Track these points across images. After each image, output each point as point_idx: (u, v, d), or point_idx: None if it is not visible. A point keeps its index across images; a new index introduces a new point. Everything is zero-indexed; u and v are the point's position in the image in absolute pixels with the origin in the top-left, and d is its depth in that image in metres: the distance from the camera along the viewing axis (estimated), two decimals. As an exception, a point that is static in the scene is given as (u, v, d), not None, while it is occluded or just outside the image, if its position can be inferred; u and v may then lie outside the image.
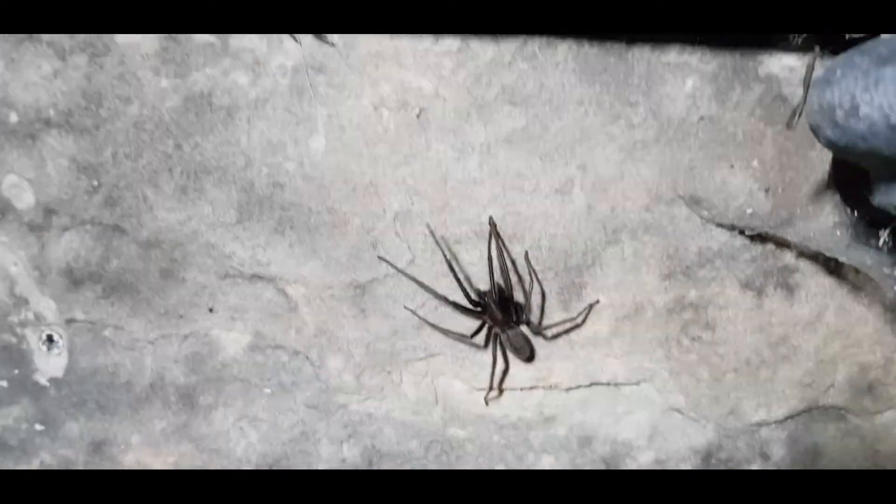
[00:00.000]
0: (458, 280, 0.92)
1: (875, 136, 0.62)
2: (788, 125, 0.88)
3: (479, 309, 0.95)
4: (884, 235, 0.80)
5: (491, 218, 0.95)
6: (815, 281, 0.93)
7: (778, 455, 1.06)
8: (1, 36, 0.97)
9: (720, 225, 0.93)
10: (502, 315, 0.94)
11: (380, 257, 0.97)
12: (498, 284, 0.94)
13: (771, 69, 0.91)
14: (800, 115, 0.85)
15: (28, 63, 0.98)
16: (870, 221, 0.85)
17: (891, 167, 0.68)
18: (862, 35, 0.80)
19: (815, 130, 0.72)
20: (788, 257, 0.93)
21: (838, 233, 0.90)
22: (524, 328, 0.97)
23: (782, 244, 0.92)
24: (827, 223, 0.91)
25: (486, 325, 0.96)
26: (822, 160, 0.89)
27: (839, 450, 1.04)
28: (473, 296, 0.94)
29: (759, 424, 1.04)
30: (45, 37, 0.97)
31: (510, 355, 1.00)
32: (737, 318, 0.96)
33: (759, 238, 0.92)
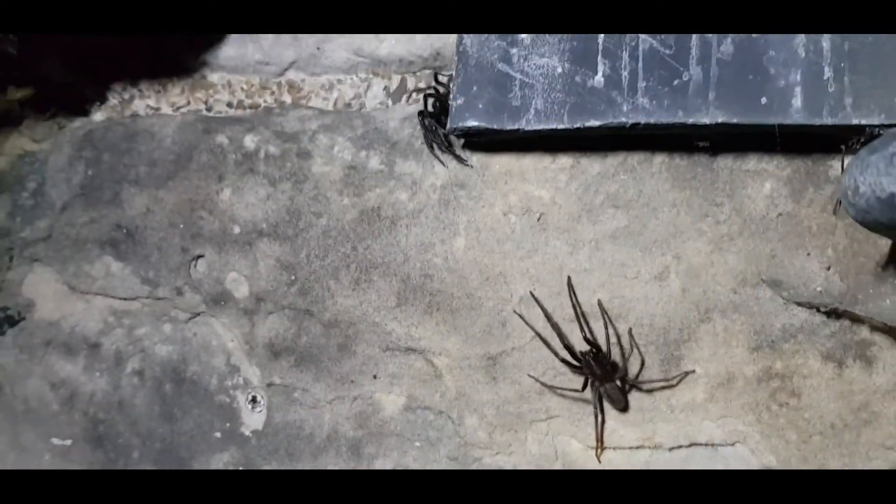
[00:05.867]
0: (559, 335, 1.13)
1: (872, 208, 0.79)
2: (834, 211, 1.03)
3: (580, 364, 1.13)
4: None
5: (599, 300, 1.15)
6: (891, 353, 1.03)
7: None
8: (230, 166, 1.32)
9: (800, 304, 1.06)
10: (601, 371, 1.11)
11: (514, 311, 1.18)
12: (598, 346, 1.12)
13: (839, 171, 1.06)
14: (839, 203, 1.00)
15: (249, 189, 1.32)
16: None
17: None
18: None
19: (846, 210, 0.88)
20: (864, 332, 1.05)
21: (907, 310, 1.01)
22: (620, 383, 1.13)
23: (857, 320, 1.04)
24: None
25: (589, 380, 1.13)
26: (888, 245, 1.02)
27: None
28: (577, 353, 1.12)
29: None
30: (263, 168, 1.31)
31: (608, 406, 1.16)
32: (820, 386, 1.06)
33: (836, 314, 1.05)
